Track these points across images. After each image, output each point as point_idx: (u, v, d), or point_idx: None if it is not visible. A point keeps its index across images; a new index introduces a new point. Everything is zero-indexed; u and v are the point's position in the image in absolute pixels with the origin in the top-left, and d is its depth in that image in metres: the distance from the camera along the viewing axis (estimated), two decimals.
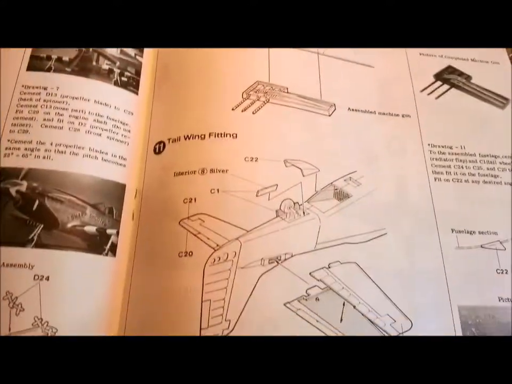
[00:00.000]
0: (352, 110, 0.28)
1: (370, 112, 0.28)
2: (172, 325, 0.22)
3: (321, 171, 0.26)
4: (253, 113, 0.26)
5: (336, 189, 0.25)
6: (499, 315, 0.24)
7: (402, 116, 0.28)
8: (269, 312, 0.22)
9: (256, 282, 0.22)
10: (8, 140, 0.25)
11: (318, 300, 0.22)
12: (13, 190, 0.24)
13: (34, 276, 0.22)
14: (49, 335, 0.22)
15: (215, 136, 0.25)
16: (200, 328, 0.21)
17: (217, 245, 0.23)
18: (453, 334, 0.23)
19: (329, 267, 0.23)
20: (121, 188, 0.26)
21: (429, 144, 0.28)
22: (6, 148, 0.25)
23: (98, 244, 0.24)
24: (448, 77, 0.30)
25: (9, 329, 0.22)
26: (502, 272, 0.25)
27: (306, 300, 0.22)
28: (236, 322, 0.21)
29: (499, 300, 0.24)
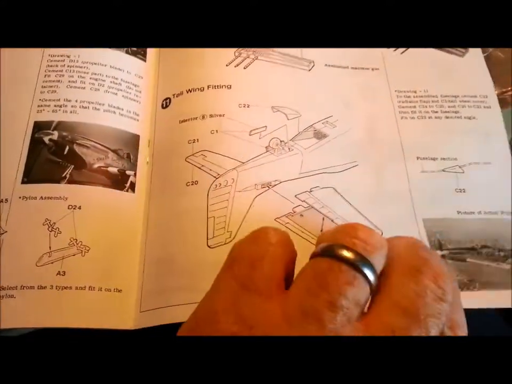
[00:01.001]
0: (329, 65, 0.33)
1: (344, 67, 0.33)
2: (184, 236, 0.26)
3: (303, 116, 0.30)
4: (244, 68, 0.31)
5: (315, 130, 0.30)
6: (458, 224, 0.28)
7: (372, 70, 0.33)
8: (262, 225, 0.26)
9: (252, 202, 0.27)
10: (40, 99, 0.30)
11: (302, 215, 0.27)
12: (46, 139, 0.29)
13: (68, 205, 0.27)
14: (83, 252, 0.27)
15: (212, 88, 0.30)
16: (207, 238, 0.26)
17: (218, 174, 0.28)
18: (418, 238, 0.27)
19: (311, 191, 0.28)
20: (136, 138, 0.30)
21: (395, 90, 0.32)
22: (38, 106, 0.29)
23: (120, 181, 0.29)
24: None
25: (50, 248, 0.26)
26: (460, 191, 0.29)
27: (292, 216, 0.27)
28: (236, 233, 0.26)
29: (458, 213, 0.28)
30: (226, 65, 0.31)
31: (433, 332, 0.16)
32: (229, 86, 0.30)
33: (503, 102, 0.34)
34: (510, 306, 0.26)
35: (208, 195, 0.27)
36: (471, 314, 0.26)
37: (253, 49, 0.32)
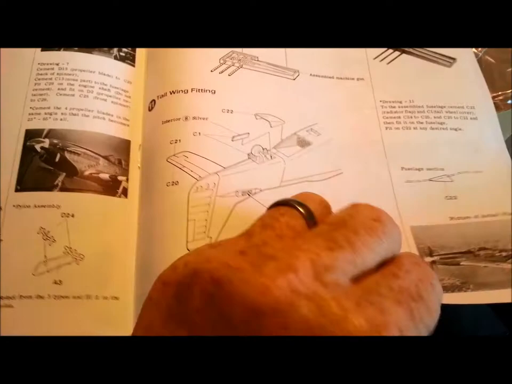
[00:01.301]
0: (314, 75, 0.33)
1: (329, 77, 0.33)
2: (164, 238, 0.27)
3: (286, 123, 0.31)
4: (229, 75, 0.32)
5: (299, 138, 0.30)
6: (451, 229, 0.28)
7: (357, 80, 0.33)
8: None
9: (232, 209, 0.27)
10: (31, 107, 0.30)
11: None
12: (37, 147, 0.29)
13: (62, 213, 0.27)
14: (77, 260, 0.27)
15: (196, 91, 0.30)
16: (187, 241, 0.26)
17: (199, 176, 0.28)
18: (406, 245, 0.27)
19: None
20: (127, 143, 0.31)
21: (380, 101, 0.32)
22: (29, 114, 0.30)
23: (112, 187, 0.29)
24: None
25: (45, 257, 0.26)
26: (451, 198, 0.29)
27: None
28: (217, 238, 0.27)
29: (450, 219, 0.28)
30: (211, 71, 0.31)
31: (368, 243, 0.16)
32: (213, 91, 0.31)
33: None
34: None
35: (188, 197, 0.27)
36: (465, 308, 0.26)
37: (238, 57, 0.32)
